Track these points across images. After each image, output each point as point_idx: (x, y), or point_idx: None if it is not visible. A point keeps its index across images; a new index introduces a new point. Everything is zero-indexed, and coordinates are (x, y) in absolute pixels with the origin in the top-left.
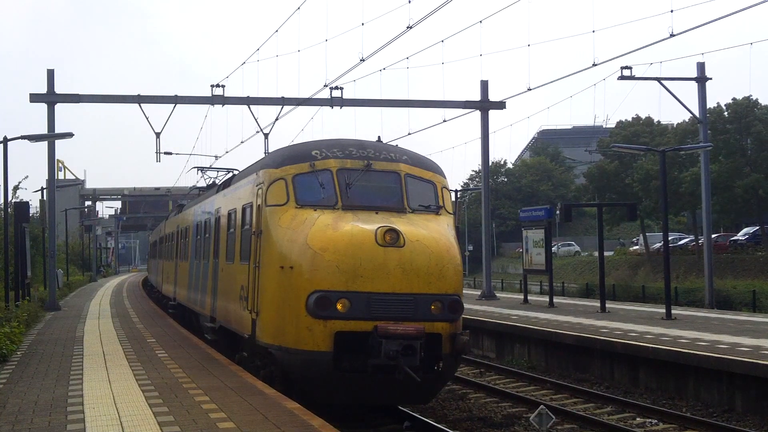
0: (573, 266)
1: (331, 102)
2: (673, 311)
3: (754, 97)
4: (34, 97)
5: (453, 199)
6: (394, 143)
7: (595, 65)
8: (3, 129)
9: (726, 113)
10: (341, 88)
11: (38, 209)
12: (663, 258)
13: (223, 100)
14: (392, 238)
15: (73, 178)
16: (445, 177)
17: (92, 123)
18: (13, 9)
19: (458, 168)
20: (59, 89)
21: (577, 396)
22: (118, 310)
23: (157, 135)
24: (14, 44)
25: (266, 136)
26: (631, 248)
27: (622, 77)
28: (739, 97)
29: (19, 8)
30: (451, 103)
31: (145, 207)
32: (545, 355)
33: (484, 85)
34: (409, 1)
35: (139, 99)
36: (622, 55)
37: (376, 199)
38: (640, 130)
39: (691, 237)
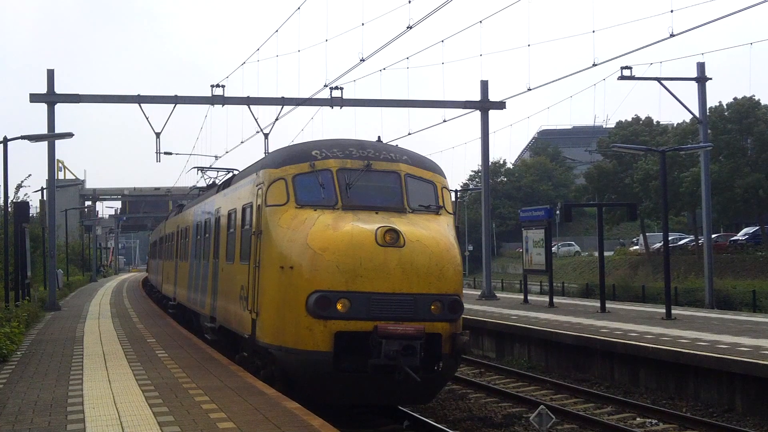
0: (573, 266)
1: (331, 102)
2: (673, 311)
3: (756, 98)
4: (34, 97)
5: (453, 199)
6: (394, 143)
7: (595, 65)
8: (3, 129)
9: (727, 113)
10: (341, 88)
11: (38, 209)
12: (663, 258)
13: (223, 100)
14: (392, 238)
15: (73, 178)
16: (445, 177)
17: (92, 123)
18: (17, 10)
19: (458, 168)
20: (60, 89)
21: (577, 396)
22: (118, 310)
23: (157, 135)
24: (16, 44)
25: (266, 136)
26: (631, 248)
27: (622, 77)
28: (740, 96)
29: (23, 9)
30: (451, 103)
31: (145, 207)
32: (545, 355)
33: (484, 85)
34: (409, 1)
35: (139, 99)
36: (622, 55)
37: (376, 199)
38: (639, 130)
39: (691, 237)
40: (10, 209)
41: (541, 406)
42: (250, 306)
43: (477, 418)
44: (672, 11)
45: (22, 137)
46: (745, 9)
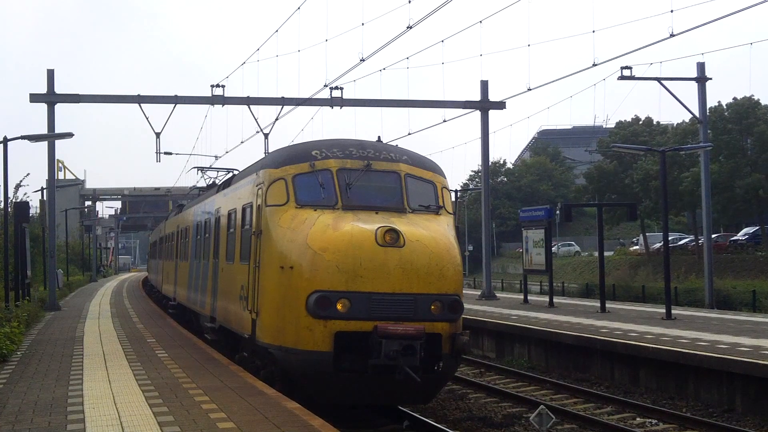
0: (573, 266)
1: (331, 102)
2: (673, 311)
3: (756, 97)
4: (34, 97)
5: (453, 199)
6: (394, 143)
7: (595, 65)
8: (3, 129)
9: (727, 113)
10: (341, 88)
11: (38, 209)
12: (663, 258)
13: (223, 100)
14: (392, 238)
15: (73, 178)
16: (445, 177)
17: (92, 123)
18: (17, 10)
19: (458, 168)
20: (60, 89)
21: (577, 396)
22: (118, 310)
23: (157, 135)
24: (16, 45)
25: (266, 136)
26: (631, 248)
27: (622, 77)
28: (740, 96)
29: (23, 9)
30: (451, 103)
31: (145, 207)
32: (545, 355)
33: (484, 85)
34: (409, 1)
35: (139, 99)
36: (622, 55)
37: (376, 199)
38: (639, 130)
39: (691, 237)
40: (10, 209)
41: (541, 406)
42: (250, 306)
43: (477, 418)
44: (672, 11)
45: (22, 137)
46: (745, 9)
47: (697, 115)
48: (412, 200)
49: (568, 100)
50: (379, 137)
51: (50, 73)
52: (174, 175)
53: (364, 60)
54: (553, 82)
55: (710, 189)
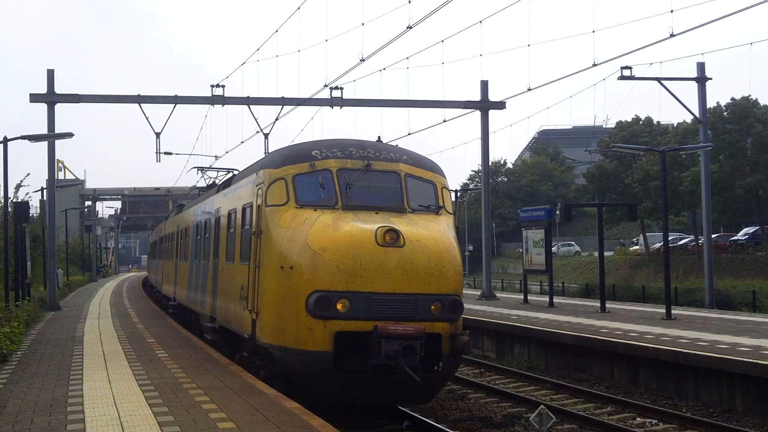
0: (573, 266)
1: (331, 102)
2: (673, 311)
3: (753, 97)
4: (34, 97)
5: (453, 199)
6: (394, 143)
7: (595, 65)
8: (3, 129)
9: (726, 113)
10: (341, 88)
11: (38, 209)
12: (663, 258)
13: (223, 100)
14: (392, 238)
15: (73, 178)
16: (445, 177)
17: (92, 123)
18: (18, 10)
19: (458, 168)
20: (60, 89)
21: (577, 396)
22: (118, 310)
23: (157, 135)
24: (17, 45)
25: (266, 136)
26: (631, 248)
27: (622, 77)
28: (738, 97)
29: (24, 9)
30: (451, 103)
31: (145, 207)
32: (545, 355)
33: (484, 85)
34: (409, 1)
35: (139, 99)
36: (622, 55)
37: (376, 199)
38: (640, 130)
39: (691, 237)
40: (10, 209)
41: (541, 406)
42: (250, 306)
43: (477, 418)
44: (672, 11)
45: (22, 137)
46: (745, 9)
47: (697, 115)
48: (412, 200)
49: (568, 100)
50: (379, 137)
51: (50, 73)
52: (174, 175)
53: (364, 60)
54: (553, 82)
55: (710, 189)
